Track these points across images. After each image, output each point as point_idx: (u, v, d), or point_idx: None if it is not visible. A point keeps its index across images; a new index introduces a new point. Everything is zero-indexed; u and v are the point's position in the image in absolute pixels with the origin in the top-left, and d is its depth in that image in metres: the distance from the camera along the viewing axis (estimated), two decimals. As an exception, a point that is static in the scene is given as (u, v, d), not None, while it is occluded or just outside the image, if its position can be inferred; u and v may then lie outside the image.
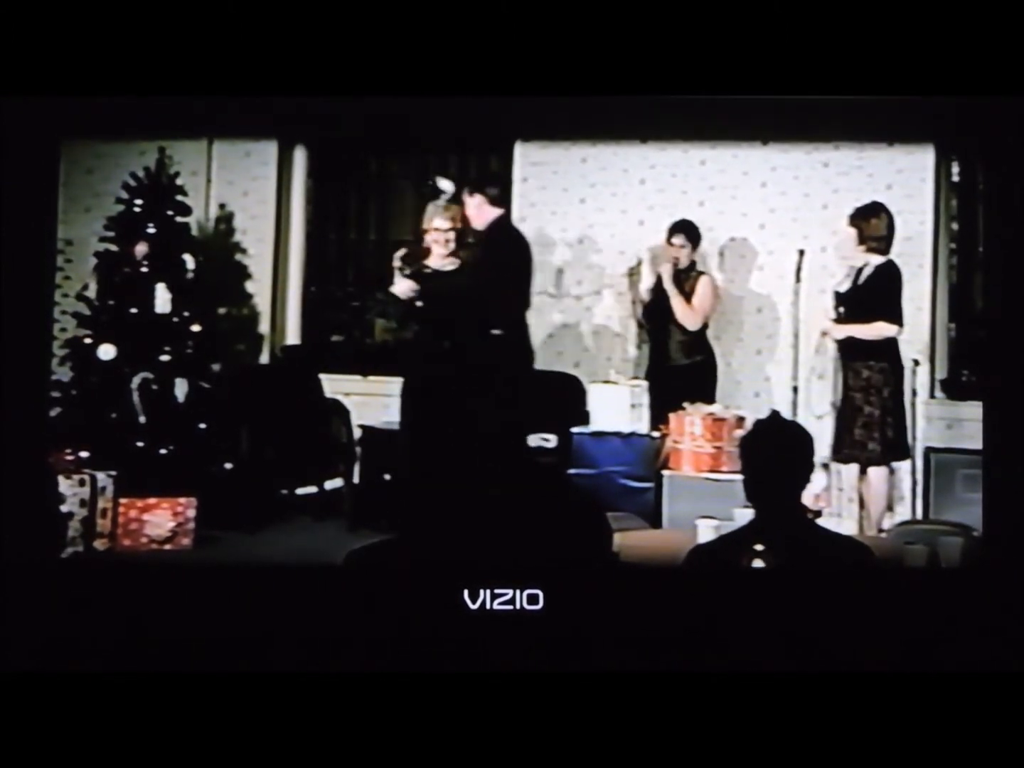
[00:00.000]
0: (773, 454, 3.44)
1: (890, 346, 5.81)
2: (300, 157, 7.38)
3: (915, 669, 3.72)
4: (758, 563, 3.39)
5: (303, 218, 7.43)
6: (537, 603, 3.86)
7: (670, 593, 3.84)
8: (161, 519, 5.68)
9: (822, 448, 5.59)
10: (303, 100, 4.34)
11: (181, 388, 6.22)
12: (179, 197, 6.45)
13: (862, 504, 5.86)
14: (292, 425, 6.44)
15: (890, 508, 5.97)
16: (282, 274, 7.34)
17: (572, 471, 5.74)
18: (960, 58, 3.95)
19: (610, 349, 6.82)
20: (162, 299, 6.28)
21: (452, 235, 5.96)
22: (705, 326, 6.34)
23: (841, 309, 5.88)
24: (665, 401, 6.04)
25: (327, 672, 3.72)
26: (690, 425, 5.82)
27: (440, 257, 6.01)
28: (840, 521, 5.59)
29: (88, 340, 6.17)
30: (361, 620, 3.82)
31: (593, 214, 6.91)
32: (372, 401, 6.24)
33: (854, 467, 5.84)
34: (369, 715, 3.65)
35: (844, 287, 5.93)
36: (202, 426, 6.19)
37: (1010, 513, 3.94)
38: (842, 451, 5.82)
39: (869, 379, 5.76)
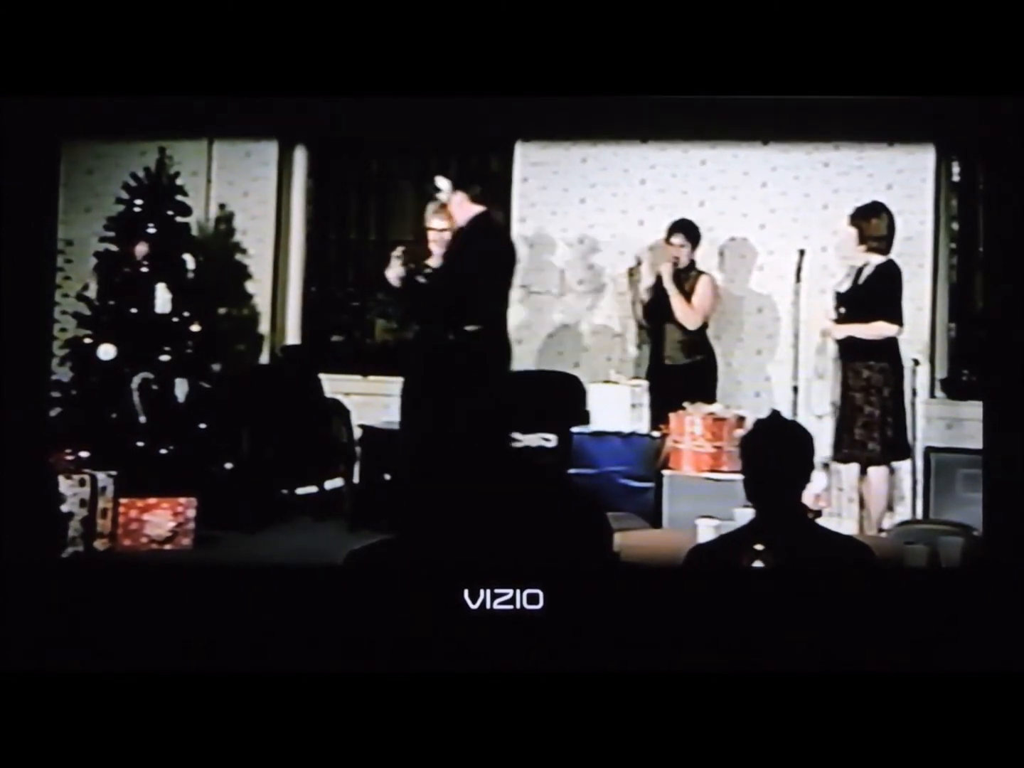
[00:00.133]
0: (773, 454, 3.44)
1: (890, 346, 5.81)
2: (300, 157, 7.38)
3: (915, 669, 3.72)
4: (758, 563, 3.39)
5: (303, 218, 7.43)
6: (537, 603, 3.86)
7: (670, 593, 3.84)
8: (161, 519, 5.68)
9: (822, 448, 5.59)
10: (303, 100, 4.35)
11: (181, 388, 6.22)
12: (179, 197, 6.45)
13: (862, 504, 5.86)
14: (292, 425, 6.44)
15: (890, 508, 5.97)
16: (282, 274, 7.35)
17: (572, 471, 5.74)
18: (960, 58, 3.95)
19: (610, 349, 6.82)
20: (162, 299, 6.28)
21: (448, 235, 5.96)
22: (705, 326, 6.34)
23: (842, 309, 5.88)
24: (665, 401, 6.03)
25: (327, 672, 3.72)
26: (690, 425, 5.82)
27: (439, 257, 6.01)
28: (840, 521, 5.59)
29: (88, 340, 6.18)
30: (361, 620, 3.82)
31: (593, 214, 6.91)
32: (372, 401, 6.24)
33: (854, 467, 5.84)
34: (370, 715, 3.65)
35: (844, 287, 5.93)
36: (202, 426, 6.19)
37: (1010, 513, 3.94)
38: (842, 451, 5.82)
39: (869, 379, 5.76)
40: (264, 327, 7.24)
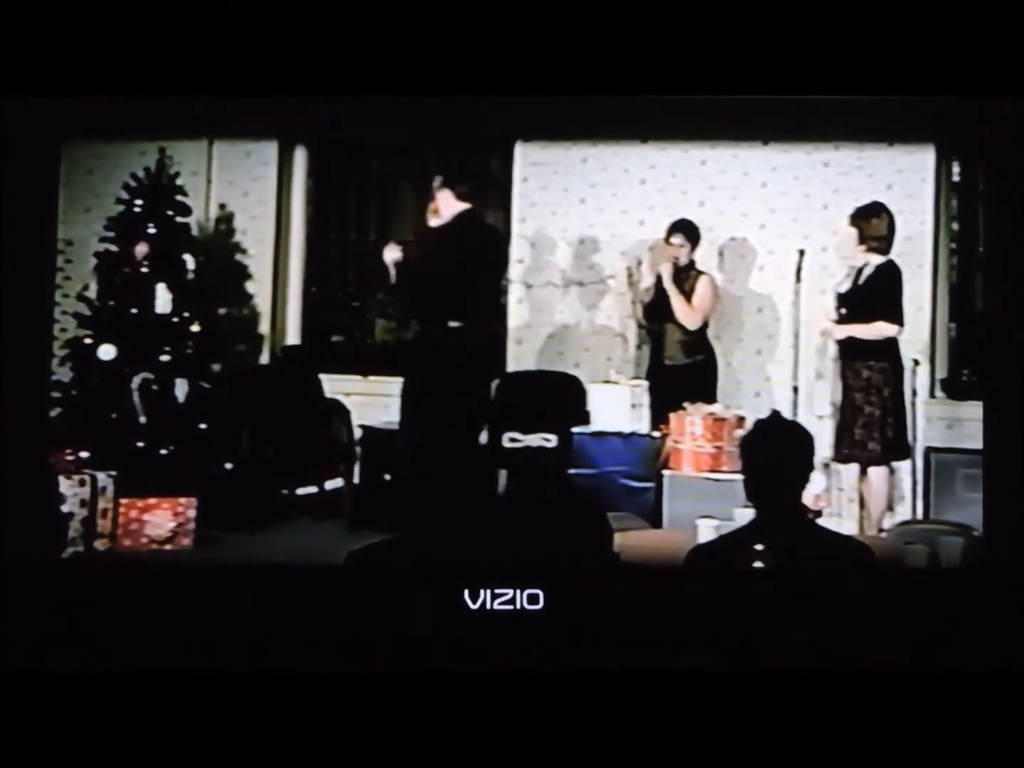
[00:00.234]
0: (773, 454, 3.44)
1: (890, 346, 5.81)
2: (300, 157, 7.38)
3: (915, 669, 3.72)
4: (758, 563, 3.39)
5: (303, 218, 7.43)
6: (537, 603, 3.86)
7: (670, 593, 3.84)
8: (161, 519, 5.68)
9: (822, 448, 5.59)
10: (303, 100, 4.35)
11: (181, 388, 6.22)
12: (179, 197, 6.45)
13: (862, 504, 5.86)
14: (292, 425, 6.44)
15: (890, 508, 5.97)
16: (282, 274, 7.34)
17: (572, 471, 5.74)
18: (960, 58, 3.95)
19: (610, 349, 6.82)
20: (162, 299, 6.28)
21: None
22: (705, 326, 6.34)
23: (842, 310, 5.88)
24: (665, 401, 6.03)
25: (327, 672, 3.72)
26: (690, 425, 5.82)
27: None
28: (840, 521, 5.59)
29: (88, 340, 6.17)
30: (361, 620, 3.82)
31: (593, 214, 6.91)
32: (372, 401, 6.24)
33: (854, 467, 5.84)
34: (370, 715, 3.65)
35: (844, 287, 5.93)
36: (202, 426, 6.19)
37: (1010, 513, 3.94)
38: (842, 451, 5.82)
39: (869, 379, 5.75)
40: (264, 327, 7.24)
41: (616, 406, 6.04)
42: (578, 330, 6.94)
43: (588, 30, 3.99)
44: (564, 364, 6.80)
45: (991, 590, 3.87)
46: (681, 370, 6.32)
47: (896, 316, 5.80)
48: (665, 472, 5.81)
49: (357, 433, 6.50)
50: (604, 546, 3.81)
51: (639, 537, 4.87)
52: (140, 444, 6.00)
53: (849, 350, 5.86)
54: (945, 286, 6.69)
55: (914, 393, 6.10)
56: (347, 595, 3.85)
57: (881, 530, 5.72)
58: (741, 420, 5.78)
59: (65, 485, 5.43)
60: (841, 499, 5.88)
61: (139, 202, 6.34)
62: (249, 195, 7.22)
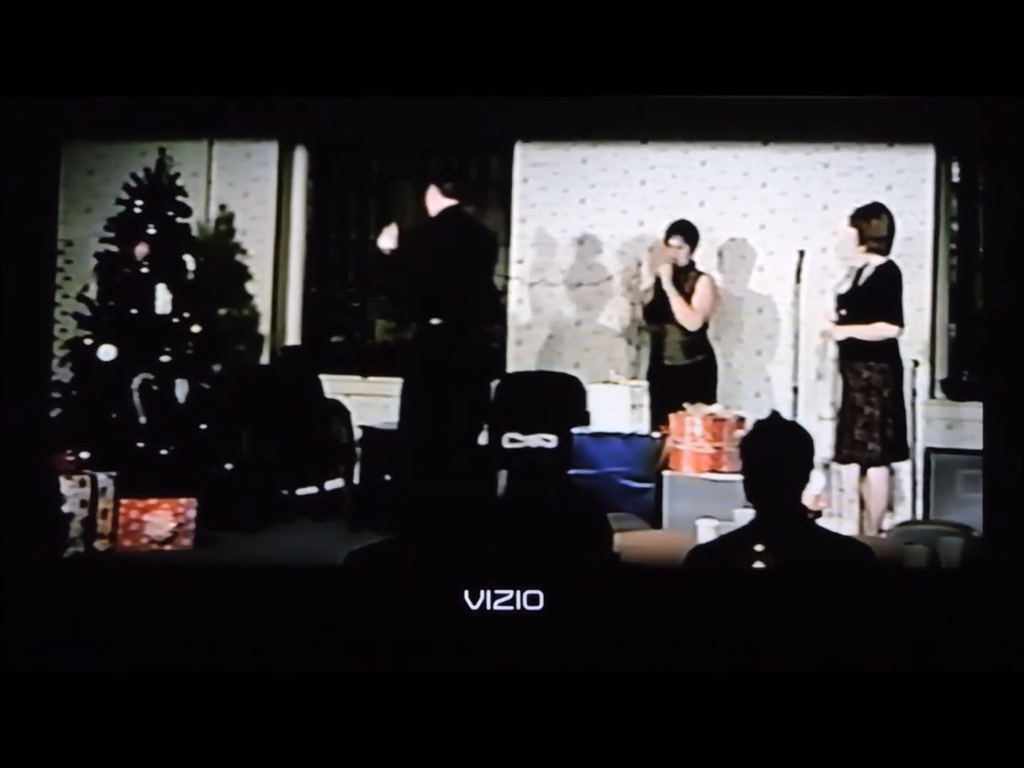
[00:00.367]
0: (773, 454, 3.44)
1: (890, 346, 5.81)
2: (300, 158, 7.39)
3: (915, 669, 3.72)
4: (758, 563, 3.39)
5: (303, 219, 7.43)
6: (538, 603, 3.86)
7: (670, 593, 3.84)
8: (162, 519, 5.68)
9: (822, 449, 5.59)
10: (303, 100, 4.35)
11: (181, 389, 6.22)
12: (179, 198, 6.46)
13: (862, 504, 5.86)
14: (292, 425, 6.44)
15: (890, 508, 5.97)
16: (282, 275, 7.35)
17: (572, 471, 5.74)
18: (960, 58, 3.95)
19: (610, 349, 6.82)
20: (162, 300, 6.28)
21: None
22: (705, 326, 6.34)
23: (842, 311, 5.88)
24: (665, 401, 6.03)
25: (327, 672, 3.72)
26: (690, 425, 5.82)
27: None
28: (840, 521, 5.59)
29: (88, 341, 6.18)
30: (361, 620, 3.82)
31: (593, 215, 6.91)
32: (372, 401, 6.25)
33: (854, 467, 5.84)
34: (369, 715, 3.65)
35: (844, 288, 5.93)
36: (202, 427, 6.19)
37: (1010, 513, 3.94)
38: (842, 451, 5.82)
39: (869, 379, 5.75)
40: (264, 328, 7.24)
41: (616, 406, 6.04)
42: (578, 330, 6.94)
43: (588, 30, 3.99)
44: (564, 364, 6.80)
45: (991, 590, 3.87)
46: (681, 371, 6.32)
47: (896, 317, 5.79)
48: (665, 472, 5.81)
49: (357, 433, 6.50)
50: (604, 546, 3.80)
51: (639, 537, 4.86)
52: (140, 444, 6.00)
53: (849, 351, 5.86)
54: (945, 286, 6.69)
55: (914, 394, 6.10)
56: (347, 595, 3.85)
57: (881, 530, 5.72)
58: (741, 421, 5.78)
59: (65, 485, 5.43)
60: (841, 500, 5.88)
61: (139, 202, 6.34)
62: (249, 196, 7.22)
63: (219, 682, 3.69)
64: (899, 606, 3.84)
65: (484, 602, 3.86)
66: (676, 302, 6.28)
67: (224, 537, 5.75)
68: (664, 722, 3.63)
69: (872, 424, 5.74)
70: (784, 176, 6.69)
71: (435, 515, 3.96)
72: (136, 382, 6.12)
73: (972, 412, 5.13)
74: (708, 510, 4.74)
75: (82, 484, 5.51)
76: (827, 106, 4.45)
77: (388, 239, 5.86)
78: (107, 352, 6.13)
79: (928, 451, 6.18)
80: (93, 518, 5.52)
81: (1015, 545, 3.90)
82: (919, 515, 6.07)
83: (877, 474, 5.82)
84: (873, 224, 5.86)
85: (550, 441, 5.67)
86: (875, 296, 5.82)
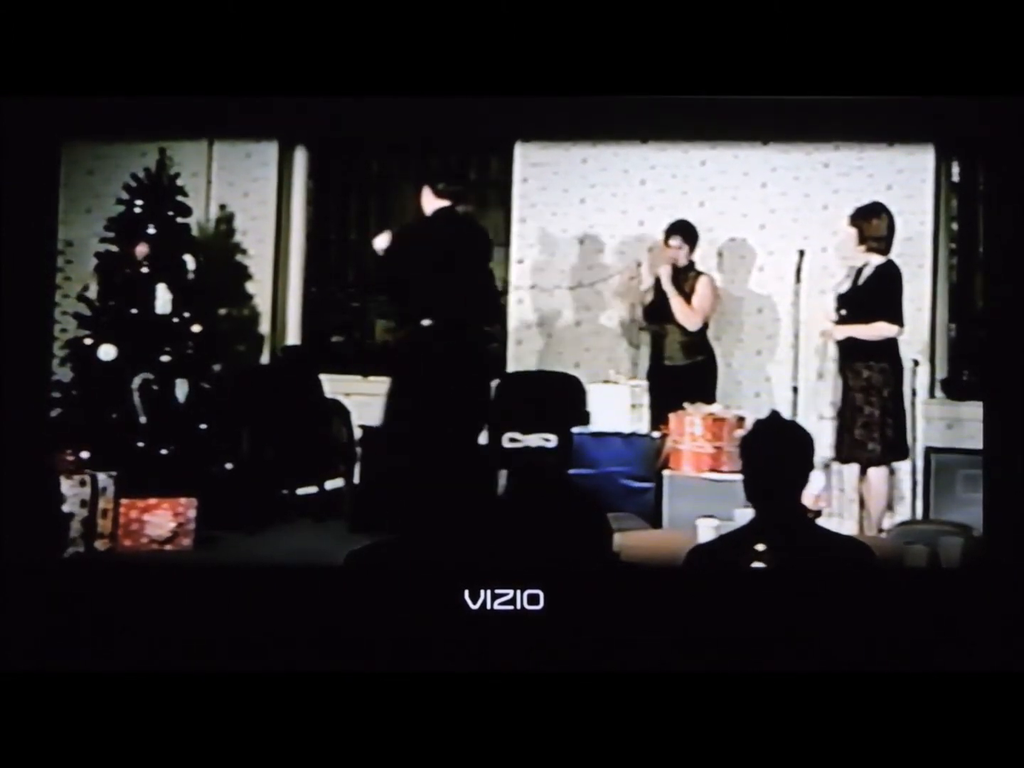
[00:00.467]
0: (773, 454, 3.44)
1: (890, 346, 5.81)
2: (300, 158, 7.39)
3: (915, 669, 3.72)
4: (758, 563, 3.39)
5: (303, 219, 7.43)
6: (538, 603, 3.86)
7: (670, 593, 3.84)
8: (162, 519, 5.68)
9: (822, 448, 5.59)
10: (303, 100, 4.35)
11: (182, 389, 6.22)
12: (179, 198, 6.46)
13: (862, 504, 5.86)
14: (292, 425, 6.44)
15: (890, 508, 5.97)
16: (282, 275, 7.35)
17: (572, 471, 5.74)
18: (960, 58, 3.95)
19: (610, 349, 6.82)
20: (162, 300, 6.28)
21: None
22: (705, 326, 6.34)
23: (843, 311, 5.88)
24: (665, 401, 6.04)
25: (327, 672, 3.72)
26: (690, 425, 5.82)
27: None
28: (840, 521, 5.59)
29: (88, 341, 6.17)
30: (361, 620, 3.82)
31: (593, 215, 6.91)
32: (372, 401, 6.22)
33: (854, 467, 5.84)
34: (369, 715, 3.65)
35: (844, 288, 5.93)
36: (203, 426, 6.19)
37: (1010, 513, 3.94)
38: (842, 451, 5.82)
39: (869, 379, 5.75)
40: (264, 327, 7.25)
41: (616, 406, 6.04)
42: (578, 330, 6.94)
43: (588, 30, 3.99)
44: (564, 364, 6.80)
45: (991, 590, 3.87)
46: (681, 371, 6.32)
47: (896, 316, 5.80)
48: (665, 472, 5.81)
49: (357, 433, 6.50)
50: (604, 546, 3.80)
51: (639, 537, 4.87)
52: (140, 444, 6.00)
53: (849, 350, 5.86)
54: (945, 286, 6.69)
55: (914, 393, 6.11)
56: (347, 595, 3.85)
57: (881, 530, 5.72)
58: (741, 420, 5.78)
59: (66, 485, 5.43)
60: (841, 499, 5.89)
61: (139, 203, 6.34)
62: (249, 196, 7.23)
63: (219, 682, 3.69)
64: (899, 606, 3.84)
65: (484, 602, 3.86)
66: (676, 302, 6.28)
67: (224, 537, 5.75)
68: (664, 722, 3.63)
69: (872, 424, 5.74)
70: (784, 176, 6.69)
71: (435, 515, 3.96)
72: (136, 382, 6.12)
73: (972, 412, 5.13)
74: (708, 510, 4.74)
75: (82, 484, 5.51)
76: (827, 106, 4.45)
77: (382, 240, 5.87)
78: (107, 352, 6.13)
79: (928, 451, 6.18)
80: (93, 518, 5.52)
81: (1015, 545, 3.90)
82: (919, 515, 6.07)
83: (877, 474, 5.82)
84: (873, 224, 5.86)
85: (550, 441, 5.68)
86: (875, 296, 5.83)
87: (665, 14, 3.97)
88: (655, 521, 5.65)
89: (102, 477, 5.58)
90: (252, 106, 4.66)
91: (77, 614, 3.85)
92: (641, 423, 6.04)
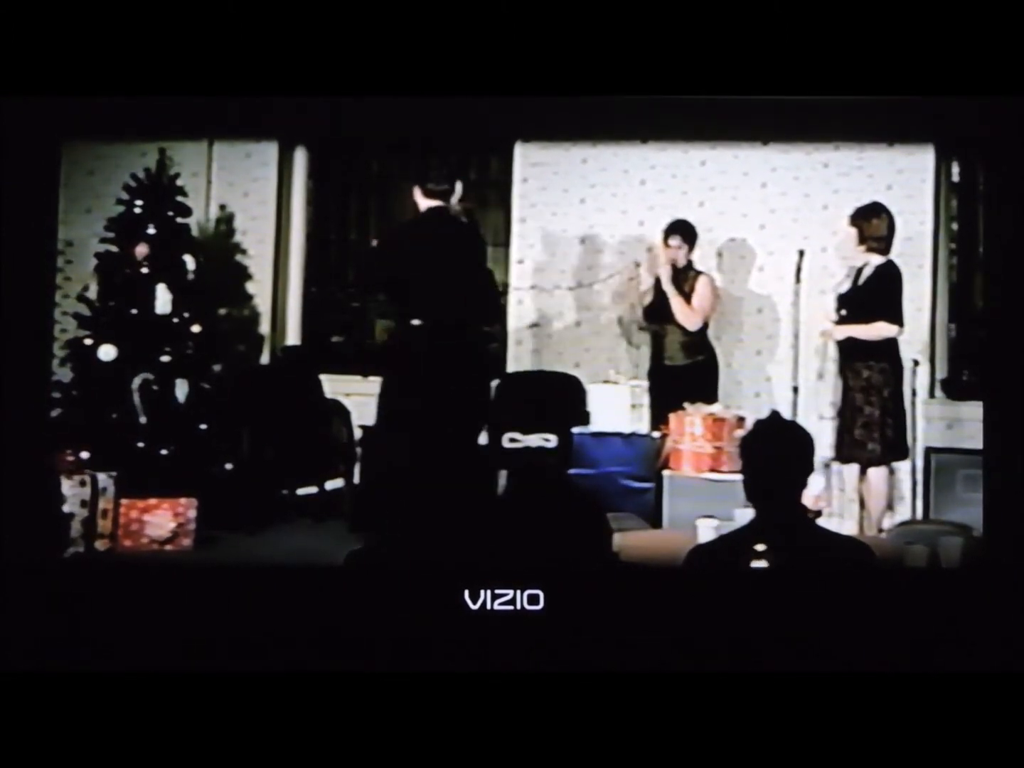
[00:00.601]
0: (773, 454, 3.44)
1: (890, 346, 5.81)
2: (300, 158, 7.39)
3: (915, 669, 3.72)
4: (758, 563, 3.39)
5: (303, 219, 7.43)
6: (538, 603, 3.86)
7: (670, 593, 3.84)
8: (162, 519, 5.68)
9: (822, 449, 5.59)
10: (303, 100, 4.35)
11: (182, 389, 6.22)
12: (179, 198, 6.46)
13: (862, 504, 5.86)
14: (292, 425, 6.44)
15: (890, 508, 5.97)
16: (282, 275, 7.35)
17: (572, 471, 5.74)
18: (960, 58, 3.95)
19: (610, 349, 6.82)
20: (162, 300, 6.28)
21: None
22: (706, 326, 6.33)
23: (843, 311, 5.87)
24: (666, 401, 6.04)
25: (327, 672, 3.72)
26: (690, 425, 5.82)
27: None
28: (841, 521, 5.59)
29: (89, 341, 6.17)
30: (361, 620, 3.82)
31: (593, 215, 6.91)
32: (372, 401, 6.23)
33: (854, 467, 5.84)
34: (369, 715, 3.65)
35: (844, 288, 5.93)
36: (203, 427, 6.19)
37: (1010, 513, 3.94)
38: (842, 451, 5.82)
39: (869, 379, 5.75)
40: (264, 328, 7.25)
41: (616, 406, 6.04)
42: (578, 330, 6.94)
43: (588, 30, 3.99)
44: (564, 364, 6.80)
45: (991, 590, 3.87)
46: (682, 371, 6.32)
47: (896, 316, 5.79)
48: (665, 472, 5.81)
49: (357, 433, 6.50)
50: (604, 546, 3.80)
51: (639, 537, 4.87)
52: (140, 444, 6.00)
53: (849, 350, 5.86)
54: (945, 286, 6.69)
55: (914, 393, 6.11)
56: (347, 595, 3.85)
57: (881, 530, 5.72)
58: (741, 420, 5.78)
59: (66, 485, 5.43)
60: (841, 500, 5.89)
61: (139, 203, 6.34)
62: (249, 196, 7.23)
63: (219, 682, 3.69)
64: (899, 606, 3.84)
65: (484, 602, 3.86)
66: (676, 303, 6.27)
67: (224, 537, 5.76)
68: (664, 722, 3.63)
69: (872, 424, 5.74)
70: (784, 176, 6.69)
71: (435, 515, 3.96)
72: (136, 382, 6.12)
73: (972, 412, 5.13)
74: (708, 510, 4.74)
75: (82, 484, 5.51)
76: (827, 106, 4.45)
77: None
78: (107, 352, 6.13)
79: (928, 451, 6.18)
80: (93, 518, 5.52)
81: (1015, 545, 3.90)
82: (919, 515, 6.07)
83: (877, 474, 5.82)
84: (873, 224, 5.86)
85: (550, 441, 5.66)
86: (875, 296, 5.82)
87: (665, 14, 3.97)
88: (655, 521, 5.65)
89: (102, 477, 5.58)
90: (252, 106, 4.66)
91: (77, 614, 3.85)
92: (641, 423, 6.04)
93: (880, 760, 3.57)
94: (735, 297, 6.72)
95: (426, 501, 4.79)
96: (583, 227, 6.92)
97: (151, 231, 6.33)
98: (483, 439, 5.62)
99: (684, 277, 6.32)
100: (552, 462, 4.33)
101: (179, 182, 6.45)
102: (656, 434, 5.96)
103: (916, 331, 6.30)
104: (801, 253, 6.16)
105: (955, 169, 6.70)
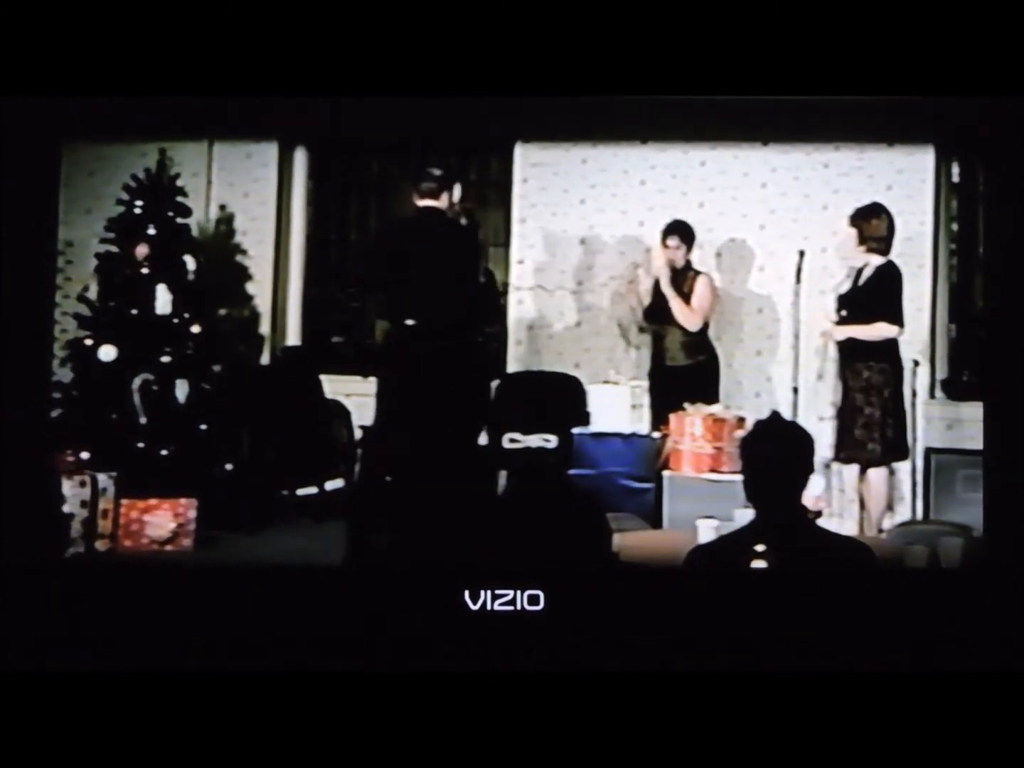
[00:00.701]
0: (773, 455, 3.44)
1: (890, 347, 5.81)
2: (300, 158, 7.39)
3: (915, 669, 3.72)
4: (758, 563, 3.39)
5: (304, 219, 7.43)
6: (538, 603, 3.86)
7: (670, 593, 3.84)
8: (162, 520, 5.68)
9: (823, 449, 5.59)
10: (303, 100, 4.35)
11: (182, 389, 6.22)
12: (180, 198, 6.46)
13: (862, 505, 5.86)
14: (293, 426, 6.44)
15: (890, 508, 5.97)
16: (283, 275, 7.35)
17: (572, 471, 5.73)
18: (960, 58, 3.95)
19: (610, 349, 6.82)
20: (163, 300, 6.29)
21: None
22: (706, 326, 6.33)
23: (843, 312, 5.87)
24: (666, 402, 6.04)
25: (327, 672, 3.72)
26: (690, 426, 5.81)
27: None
28: (841, 522, 5.59)
29: (89, 341, 6.18)
30: (361, 620, 3.82)
31: (593, 215, 6.92)
32: (372, 401, 6.23)
33: (854, 468, 5.84)
34: (369, 715, 3.65)
35: (844, 288, 5.93)
36: (203, 427, 6.19)
37: (1010, 513, 3.94)
38: (842, 452, 5.82)
39: (869, 379, 5.75)
40: (264, 328, 7.25)
41: (616, 406, 6.04)
42: (578, 330, 6.94)
43: (588, 30, 3.99)
44: (564, 364, 6.80)
45: (991, 590, 3.87)
46: (682, 371, 6.31)
47: (896, 317, 5.79)
48: (665, 472, 5.81)
49: (357, 433, 6.50)
50: (604, 546, 3.80)
51: (639, 537, 4.86)
52: (140, 445, 6.01)
53: (849, 351, 5.86)
54: (945, 286, 6.69)
55: (914, 394, 6.10)
56: (347, 595, 3.85)
57: (881, 531, 5.72)
58: (741, 421, 5.77)
59: (66, 486, 5.43)
60: (841, 500, 5.89)
61: (139, 203, 6.35)
62: (249, 196, 7.23)
63: (219, 682, 3.70)
64: (899, 606, 3.84)
65: (484, 602, 3.86)
66: (675, 303, 6.27)
67: (224, 537, 5.76)
68: (664, 722, 3.63)
69: (872, 424, 5.73)
70: (784, 176, 6.69)
71: (435, 515, 3.96)
72: (136, 382, 6.12)
73: (972, 412, 5.14)
74: (708, 510, 4.73)
75: (82, 484, 5.51)
76: (827, 106, 4.46)
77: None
78: (107, 352, 6.13)
79: (928, 451, 6.18)
80: (93, 518, 5.53)
81: (1015, 545, 3.90)
82: (919, 515, 6.07)
83: (877, 474, 5.82)
84: (873, 224, 5.85)
85: (550, 441, 5.66)
86: (875, 296, 5.82)
87: (665, 14, 3.97)
88: (655, 521, 5.65)
89: (102, 477, 5.58)
90: (252, 106, 4.66)
91: (77, 614, 3.85)
92: (641, 423, 6.04)
93: (880, 760, 3.57)
94: (735, 297, 6.72)
95: (426, 501, 4.79)
96: (583, 227, 6.92)
97: (151, 231, 6.33)
98: (483, 439, 5.63)
99: (683, 278, 6.32)
100: (552, 462, 4.33)
101: (179, 182, 6.46)
102: (656, 434, 5.96)
103: (916, 331, 6.31)
104: (801, 253, 6.16)
105: (955, 169, 6.71)
